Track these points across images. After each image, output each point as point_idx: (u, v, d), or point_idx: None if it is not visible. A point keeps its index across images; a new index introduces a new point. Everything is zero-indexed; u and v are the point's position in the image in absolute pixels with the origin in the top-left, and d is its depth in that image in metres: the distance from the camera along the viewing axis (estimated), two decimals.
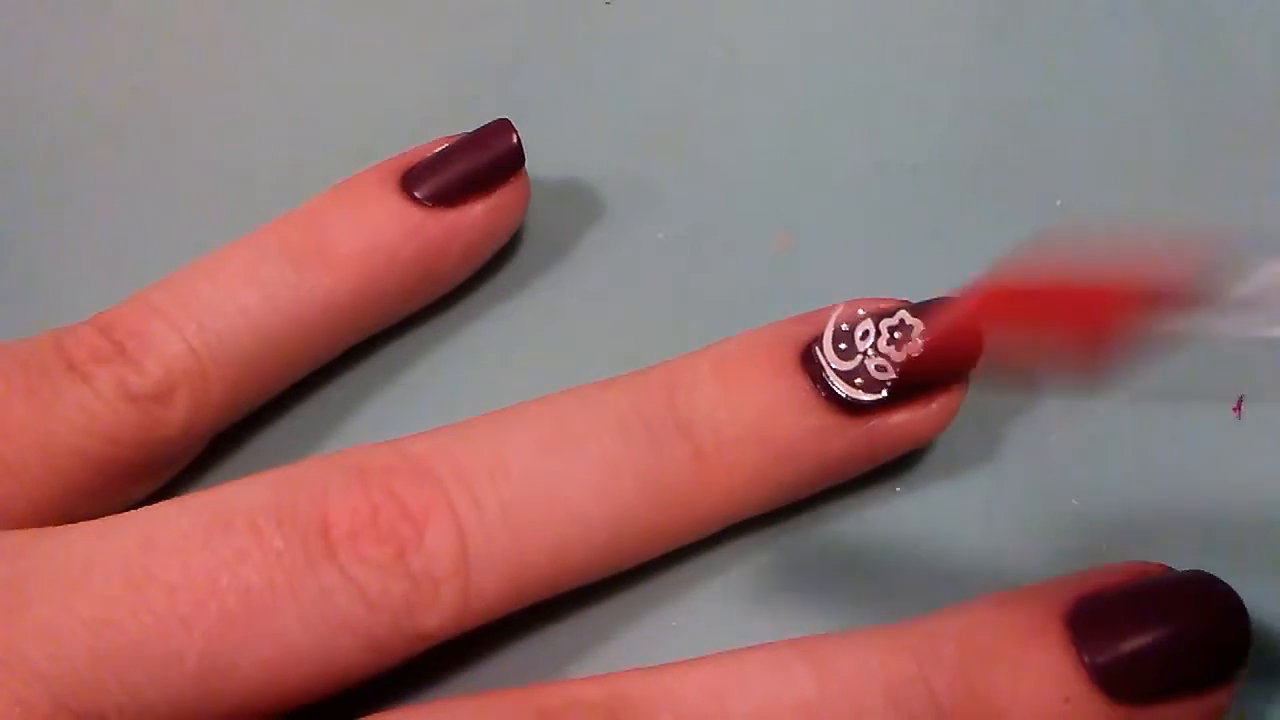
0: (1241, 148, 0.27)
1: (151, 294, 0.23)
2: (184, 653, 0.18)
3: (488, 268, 0.26)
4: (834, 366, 0.21)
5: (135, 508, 0.20)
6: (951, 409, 0.22)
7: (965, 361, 0.21)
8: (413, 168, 0.24)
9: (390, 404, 0.25)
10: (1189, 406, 0.24)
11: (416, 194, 0.24)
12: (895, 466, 0.23)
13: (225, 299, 0.22)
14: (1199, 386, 0.24)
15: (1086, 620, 0.18)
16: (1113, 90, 0.28)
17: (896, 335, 0.21)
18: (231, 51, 0.31)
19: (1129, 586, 0.19)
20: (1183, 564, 0.20)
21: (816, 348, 0.21)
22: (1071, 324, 0.17)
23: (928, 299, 0.22)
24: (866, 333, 0.21)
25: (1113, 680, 0.18)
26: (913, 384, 0.21)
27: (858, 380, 0.21)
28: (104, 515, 0.20)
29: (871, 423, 0.21)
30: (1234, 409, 0.24)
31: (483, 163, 0.25)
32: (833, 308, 0.22)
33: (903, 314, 0.21)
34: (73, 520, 0.20)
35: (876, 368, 0.21)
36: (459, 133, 0.25)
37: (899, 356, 0.21)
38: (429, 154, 0.25)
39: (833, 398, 0.21)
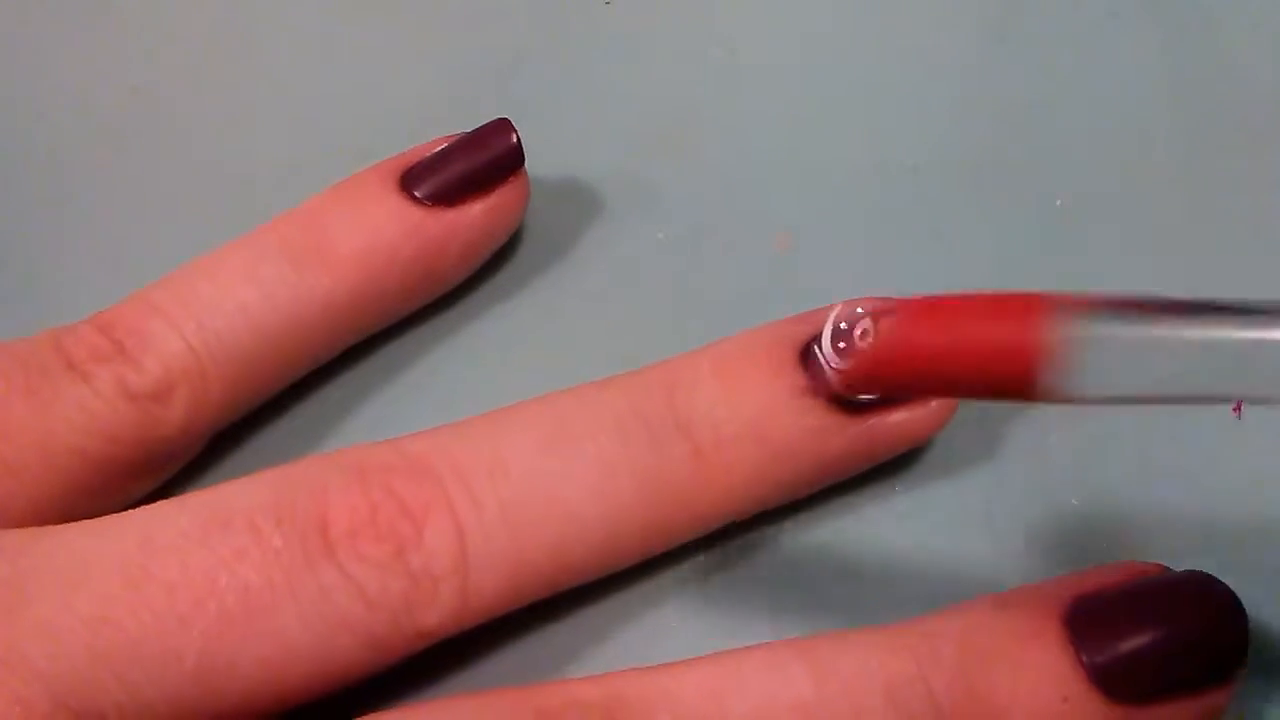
0: (1241, 148, 0.27)
1: (151, 293, 0.23)
2: (183, 651, 0.18)
3: (487, 267, 0.26)
4: (833, 365, 0.21)
5: (135, 507, 0.20)
6: (950, 408, 0.22)
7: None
8: (412, 167, 0.24)
9: (390, 403, 0.25)
10: (1189, 406, 0.24)
11: (416, 193, 0.24)
12: (894, 466, 0.23)
13: (224, 298, 0.22)
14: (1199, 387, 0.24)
15: (1085, 620, 0.18)
16: (1113, 90, 0.28)
17: None
18: (231, 51, 0.31)
19: (1127, 586, 0.19)
20: (1182, 564, 0.20)
21: (816, 347, 0.21)
22: (994, 336, 0.17)
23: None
24: (865, 331, 0.21)
25: (1111, 680, 0.18)
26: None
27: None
28: (103, 514, 0.20)
29: (870, 422, 0.21)
30: (1234, 409, 0.24)
31: (482, 162, 0.25)
32: (831, 307, 0.22)
33: None
34: (72, 519, 0.20)
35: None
36: (459, 132, 0.25)
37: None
38: (428, 153, 0.25)
39: (832, 397, 0.21)
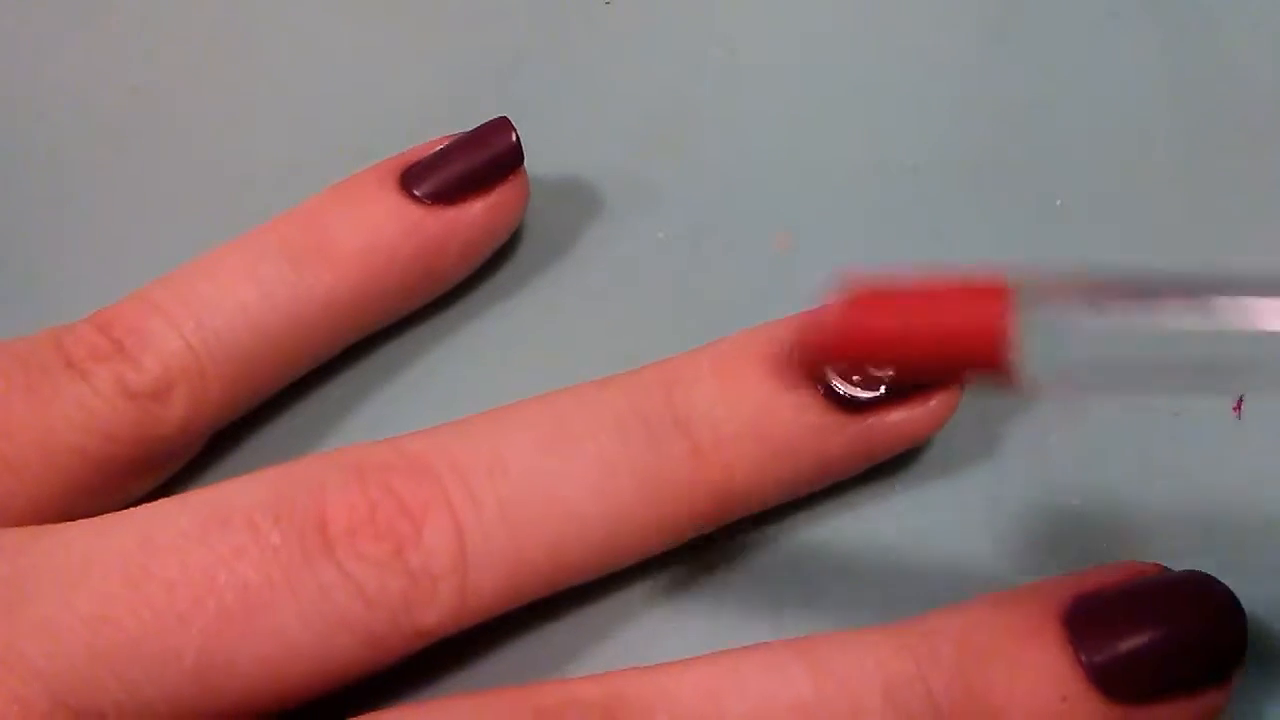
0: (1241, 148, 0.27)
1: (150, 291, 0.23)
2: (182, 650, 0.18)
3: (487, 266, 0.26)
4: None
5: (135, 505, 0.20)
6: (949, 407, 0.22)
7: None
8: (412, 166, 0.24)
9: (389, 402, 0.25)
10: (1189, 406, 0.24)
11: (416, 192, 0.24)
12: (894, 465, 0.23)
13: (224, 296, 0.23)
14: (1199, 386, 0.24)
15: (1084, 620, 0.18)
16: (1113, 90, 0.28)
17: None
18: (231, 51, 0.31)
19: (1126, 586, 0.19)
20: (1182, 564, 0.20)
21: None
22: (955, 319, 0.17)
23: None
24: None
25: (1110, 679, 0.18)
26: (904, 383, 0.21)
27: (856, 378, 0.21)
28: (103, 512, 0.20)
29: (869, 421, 0.21)
30: (1234, 409, 0.24)
31: (482, 161, 0.25)
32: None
33: None
34: (72, 518, 0.20)
35: (874, 365, 0.21)
36: (458, 132, 0.25)
37: None
38: (428, 153, 0.25)
39: (831, 395, 0.21)
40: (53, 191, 0.29)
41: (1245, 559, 0.22)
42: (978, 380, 0.17)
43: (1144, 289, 0.16)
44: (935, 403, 0.21)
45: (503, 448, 0.20)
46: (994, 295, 0.16)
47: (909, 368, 0.18)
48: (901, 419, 0.21)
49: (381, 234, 0.24)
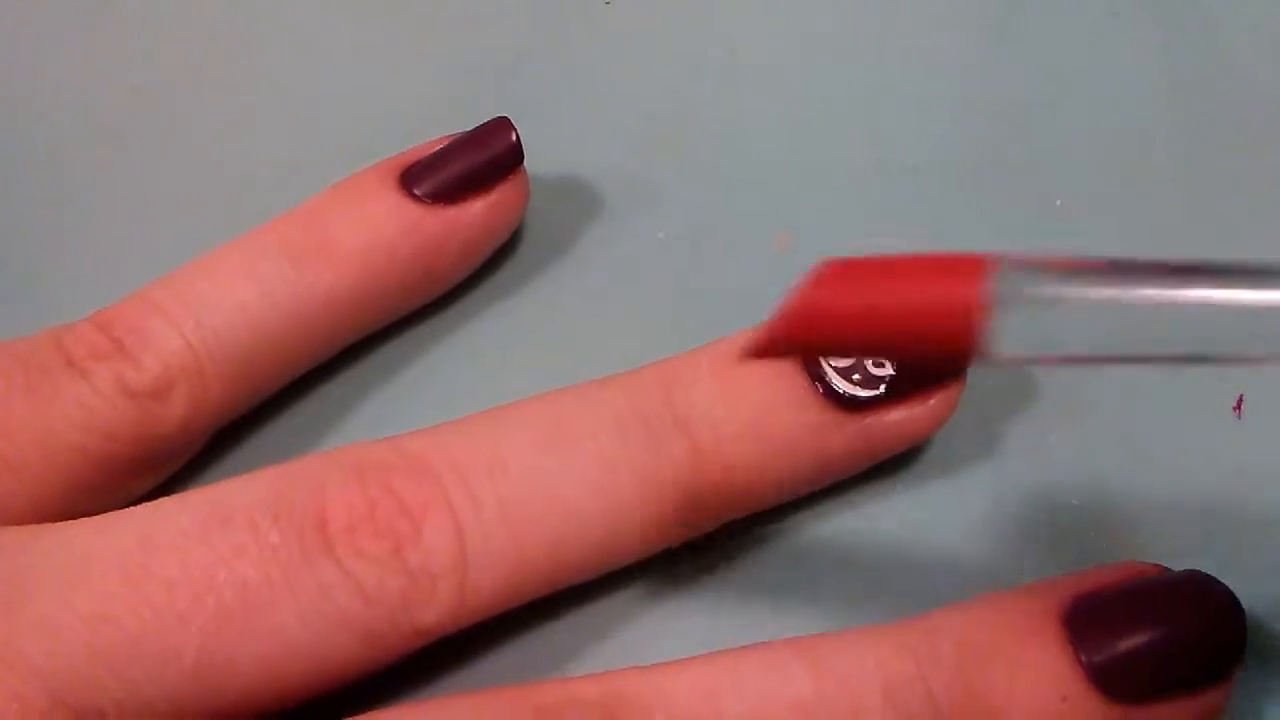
0: (1241, 148, 0.27)
1: (150, 291, 0.23)
2: (182, 649, 0.18)
3: (487, 266, 0.26)
4: (831, 363, 0.21)
5: (135, 504, 0.20)
6: (950, 406, 0.22)
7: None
8: (412, 166, 0.25)
9: (389, 401, 0.25)
10: (1189, 406, 0.24)
11: (416, 191, 0.24)
12: (895, 464, 0.23)
13: (224, 295, 0.23)
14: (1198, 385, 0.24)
15: (1083, 619, 0.18)
16: (1113, 90, 0.28)
17: None
18: (231, 51, 0.31)
19: (1126, 586, 0.19)
20: (1182, 564, 0.20)
21: None
22: (923, 298, 0.16)
23: None
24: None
25: (1109, 679, 0.18)
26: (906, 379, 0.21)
27: (855, 376, 0.21)
28: (103, 511, 0.20)
29: (868, 420, 0.21)
30: (1234, 409, 0.24)
31: (482, 160, 0.25)
32: None
33: None
34: (72, 516, 0.20)
35: (874, 364, 0.21)
36: (458, 132, 0.25)
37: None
38: (428, 152, 0.25)
39: (830, 394, 0.21)
40: (53, 191, 0.29)
41: (1245, 559, 0.22)
42: (947, 360, 0.17)
43: (1122, 268, 0.16)
44: (935, 401, 0.21)
45: (503, 447, 0.20)
46: (964, 272, 0.16)
47: (876, 346, 0.17)
48: (901, 418, 0.21)
49: (381, 233, 0.24)
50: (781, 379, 0.21)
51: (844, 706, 0.18)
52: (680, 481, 0.21)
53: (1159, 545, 0.22)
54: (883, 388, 0.21)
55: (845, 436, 0.21)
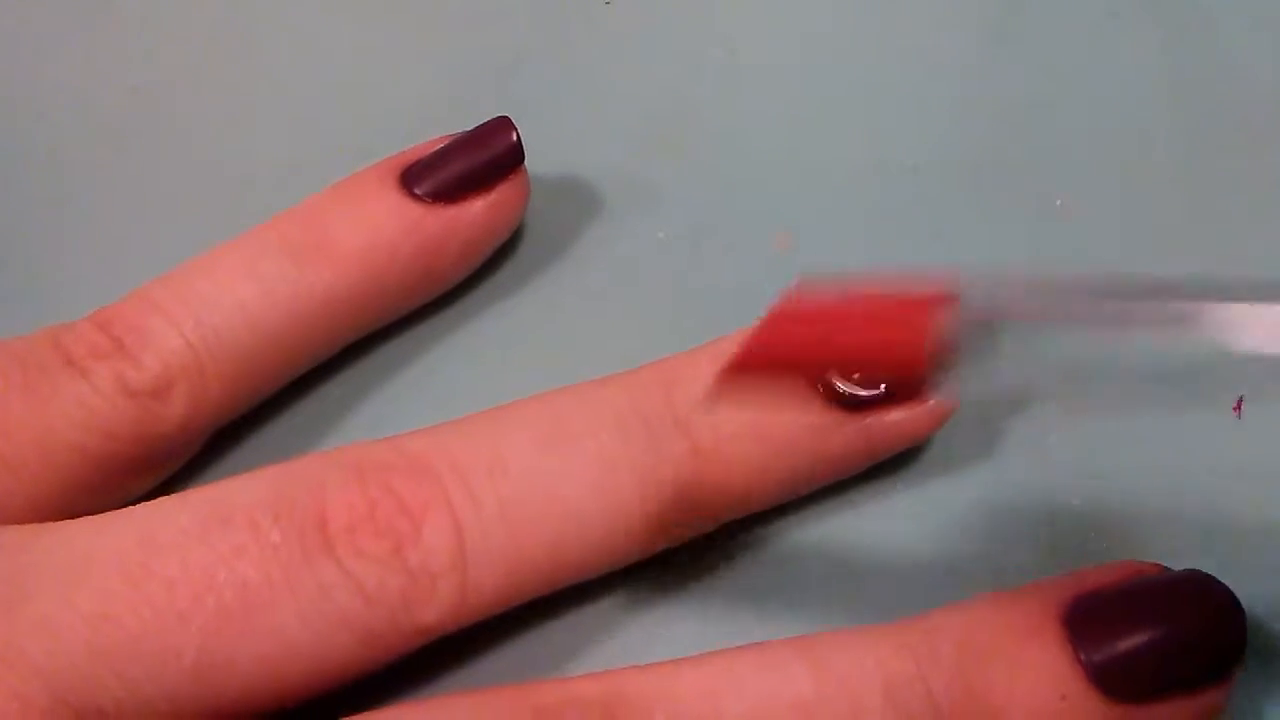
0: (1241, 148, 0.27)
1: (150, 290, 0.23)
2: (182, 648, 0.18)
3: (487, 266, 0.26)
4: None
5: (134, 503, 0.20)
6: (949, 406, 0.22)
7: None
8: (412, 165, 0.25)
9: (389, 401, 0.25)
10: (1189, 407, 0.24)
11: (416, 191, 0.24)
12: (895, 464, 0.23)
13: (223, 294, 0.23)
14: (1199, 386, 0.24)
15: (1083, 619, 0.18)
16: (1113, 90, 0.28)
17: None
18: (231, 51, 0.31)
19: (1126, 586, 0.19)
20: (1182, 564, 0.20)
21: None
22: (880, 333, 0.17)
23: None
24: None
25: (1109, 679, 0.18)
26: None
27: (855, 375, 0.21)
28: (103, 511, 0.20)
29: (869, 419, 0.21)
30: (1234, 409, 0.24)
31: (482, 160, 0.25)
32: None
33: None
34: (70, 516, 0.20)
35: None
36: (459, 132, 0.25)
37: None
38: (428, 152, 0.25)
39: (830, 394, 0.21)
40: (53, 191, 0.29)
41: (1245, 559, 0.22)
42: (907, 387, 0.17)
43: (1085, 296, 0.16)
44: (935, 402, 0.21)
45: (502, 447, 0.20)
46: (920, 311, 0.16)
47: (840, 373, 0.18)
48: (902, 418, 0.21)
49: (382, 232, 0.24)
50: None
51: (844, 706, 0.18)
52: (680, 481, 0.21)
53: (1159, 545, 0.22)
54: (883, 387, 0.21)
55: (845, 436, 0.21)
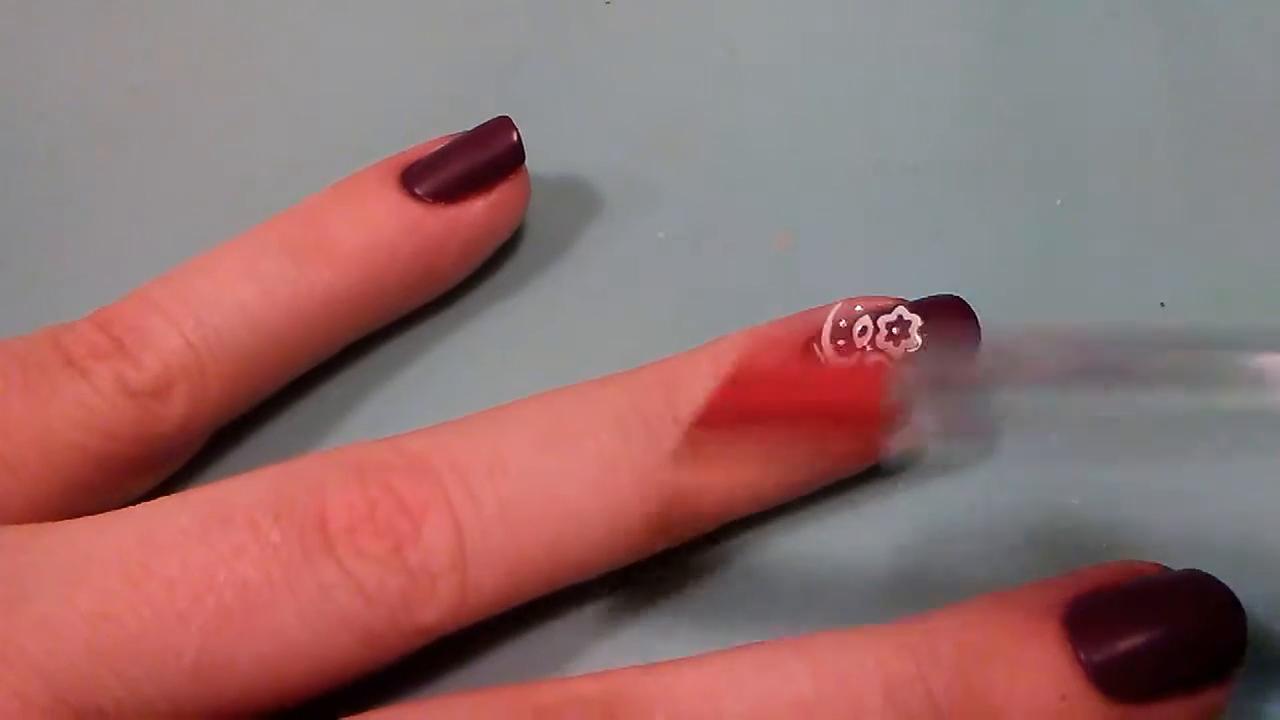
0: (1241, 148, 0.27)
1: (150, 290, 0.23)
2: (182, 648, 0.18)
3: (487, 266, 0.26)
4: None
5: (134, 503, 0.20)
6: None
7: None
8: (412, 165, 0.25)
9: (389, 401, 0.25)
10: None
11: (416, 190, 0.24)
12: (895, 464, 0.23)
13: (224, 294, 0.23)
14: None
15: (1083, 619, 0.18)
16: (1113, 90, 0.28)
17: (894, 331, 0.21)
18: (231, 51, 0.31)
19: (1126, 585, 0.19)
20: (1182, 564, 0.20)
21: (815, 344, 0.21)
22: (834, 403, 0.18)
23: (927, 296, 0.22)
24: (865, 329, 0.21)
25: (1109, 678, 0.18)
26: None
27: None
28: (103, 511, 0.20)
29: None
30: None
31: (483, 160, 0.25)
32: (830, 305, 0.22)
33: (900, 310, 0.21)
34: (70, 516, 0.20)
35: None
36: (459, 131, 0.25)
37: (896, 352, 0.21)
38: (429, 151, 0.25)
39: None
40: (53, 191, 0.29)
41: (1245, 559, 0.22)
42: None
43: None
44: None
45: (502, 447, 0.20)
46: (875, 372, 0.17)
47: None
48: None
49: (382, 232, 0.24)
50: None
51: (844, 706, 0.18)
52: (681, 481, 0.21)
53: (1159, 545, 0.22)
54: None
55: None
